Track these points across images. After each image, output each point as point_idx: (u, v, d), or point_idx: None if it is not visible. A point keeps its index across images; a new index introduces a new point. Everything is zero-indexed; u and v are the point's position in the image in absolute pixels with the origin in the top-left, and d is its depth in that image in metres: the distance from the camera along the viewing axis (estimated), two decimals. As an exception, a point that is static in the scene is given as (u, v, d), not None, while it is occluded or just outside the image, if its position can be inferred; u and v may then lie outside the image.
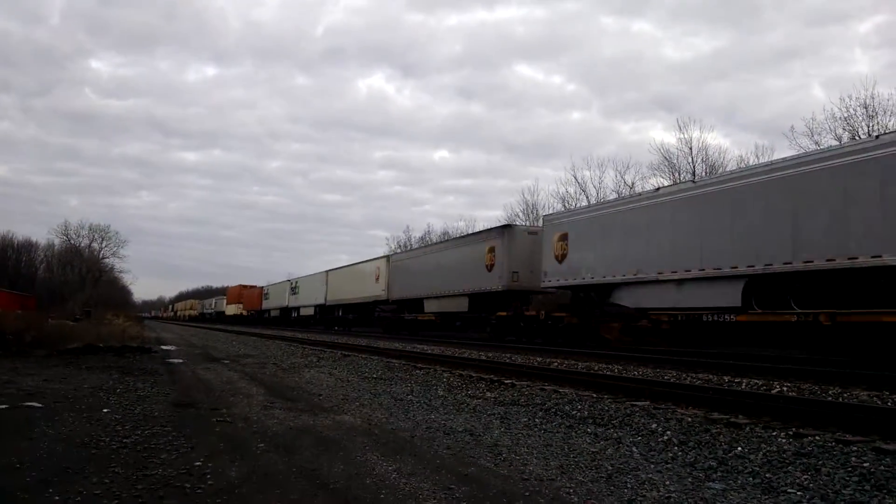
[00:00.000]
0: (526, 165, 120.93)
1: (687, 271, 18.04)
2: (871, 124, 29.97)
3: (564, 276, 22.85)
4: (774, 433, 6.39)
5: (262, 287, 75.18)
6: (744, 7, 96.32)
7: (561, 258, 22.91)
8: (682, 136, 41.10)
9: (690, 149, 39.57)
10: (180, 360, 15.75)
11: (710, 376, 11.58)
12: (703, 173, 35.55)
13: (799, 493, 4.63)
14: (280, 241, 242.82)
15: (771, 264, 15.60)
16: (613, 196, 41.11)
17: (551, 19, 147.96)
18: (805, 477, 4.98)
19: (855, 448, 5.63)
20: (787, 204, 15.24)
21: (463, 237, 35.84)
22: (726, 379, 11.15)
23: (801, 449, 5.74)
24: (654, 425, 7.07)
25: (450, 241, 38.48)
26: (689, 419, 7.24)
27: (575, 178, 47.87)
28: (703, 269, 17.51)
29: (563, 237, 22.93)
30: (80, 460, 5.05)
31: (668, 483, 4.88)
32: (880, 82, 36.35)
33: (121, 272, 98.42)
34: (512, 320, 25.40)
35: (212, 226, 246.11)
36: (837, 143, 27.48)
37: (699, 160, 39.32)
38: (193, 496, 4.23)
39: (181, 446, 5.68)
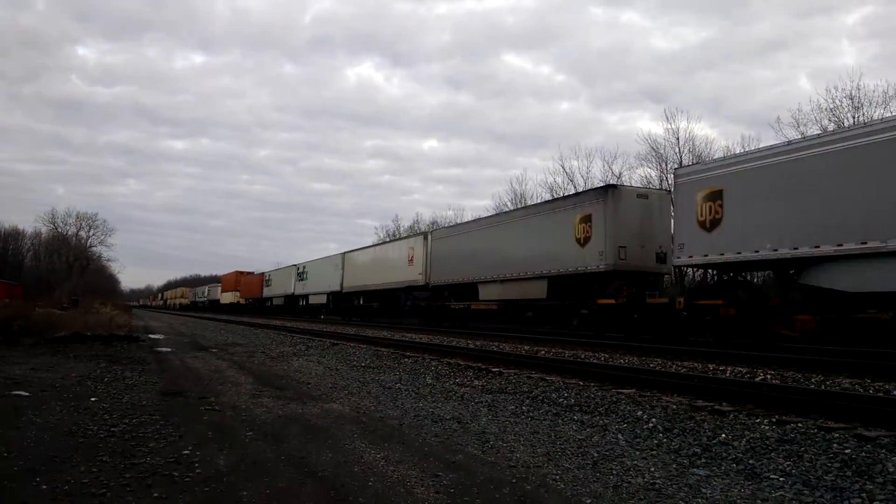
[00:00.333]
0: (514, 155, 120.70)
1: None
2: (856, 115, 30.13)
3: (716, 249, 16.31)
4: (758, 420, 6.47)
5: (263, 273, 68.53)
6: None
7: (710, 225, 16.60)
8: (669, 126, 41.13)
9: (678, 139, 39.55)
10: (168, 349, 15.71)
11: (696, 364, 11.68)
12: (690, 164, 35.69)
13: (782, 479, 4.70)
14: (268, 230, 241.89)
15: None
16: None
17: (540, 9, 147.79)
18: (788, 463, 5.06)
19: (837, 435, 5.72)
20: None
21: (541, 204, 26.86)
22: (711, 367, 11.25)
23: (783, 436, 5.82)
24: (639, 413, 7.15)
25: (519, 211, 28.84)
26: (674, 406, 7.32)
27: (563, 167, 47.70)
28: None
29: (714, 195, 16.56)
30: (67, 449, 5.06)
31: (653, 469, 4.94)
32: (867, 74, 36.70)
33: (108, 261, 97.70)
34: (620, 311, 19.23)
35: (199, 214, 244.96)
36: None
37: (686, 150, 39.40)
38: (182, 484, 4.25)
39: (169, 435, 5.69)
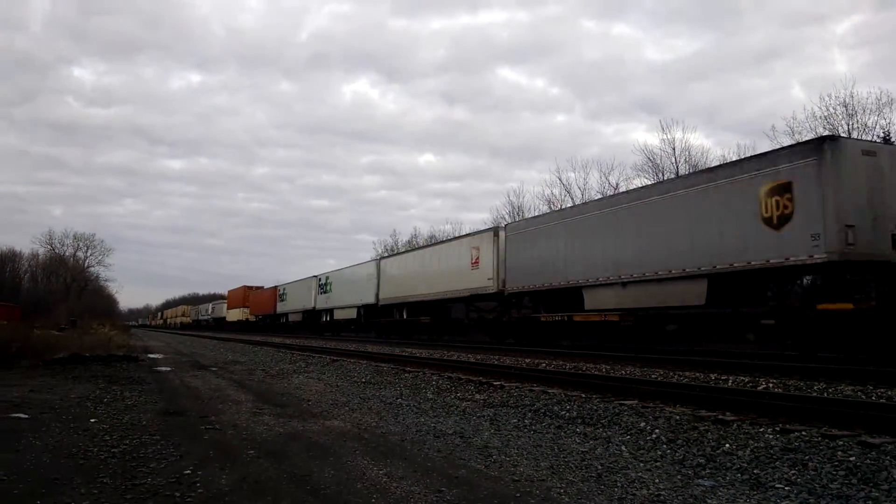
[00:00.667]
0: (511, 168, 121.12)
1: None
2: (850, 122, 30.26)
3: None
4: (761, 429, 6.44)
5: (276, 287, 62.13)
6: (724, 9, 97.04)
7: None
8: (665, 136, 41.25)
9: (674, 149, 39.73)
10: (168, 369, 15.65)
11: (697, 374, 11.65)
12: (686, 172, 35.78)
13: (787, 488, 4.68)
14: (266, 248, 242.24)
15: None
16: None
17: (534, 23, 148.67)
18: (792, 472, 5.03)
19: (841, 442, 5.69)
20: None
21: (695, 175, 20.05)
22: (713, 377, 11.22)
23: (787, 444, 5.79)
24: (642, 424, 7.11)
25: (655, 188, 20.32)
26: (678, 417, 7.29)
27: (560, 179, 47.98)
28: None
29: None
30: (68, 471, 5.02)
31: (657, 481, 4.91)
32: (859, 82, 36.72)
33: (106, 281, 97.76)
34: (861, 319, 12.81)
35: (197, 233, 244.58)
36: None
37: (682, 160, 39.51)
38: (183, 505, 4.22)
39: (170, 455, 5.65)
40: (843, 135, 24.58)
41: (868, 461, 5.11)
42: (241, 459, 5.59)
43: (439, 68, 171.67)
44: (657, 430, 6.75)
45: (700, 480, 4.96)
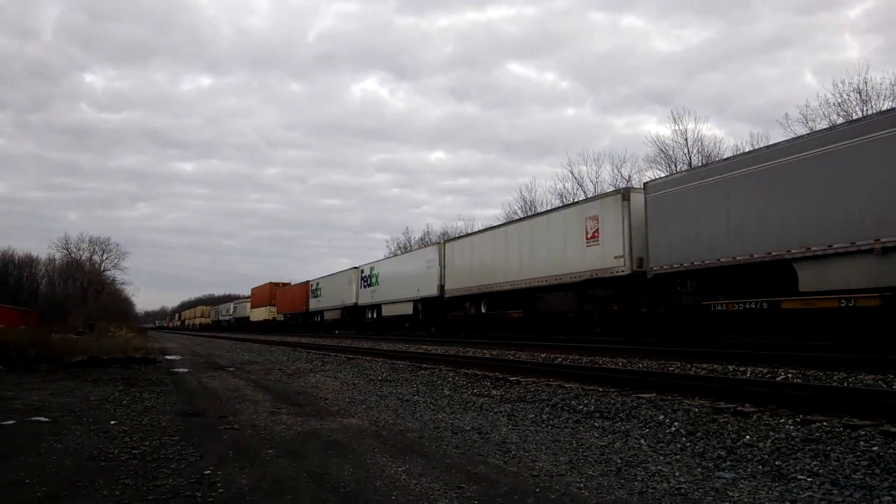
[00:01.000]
0: (522, 163, 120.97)
1: None
2: (864, 108, 29.96)
3: None
4: (782, 420, 6.39)
5: (308, 282, 56.28)
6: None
7: None
8: (676, 127, 41.14)
9: (686, 140, 39.47)
10: (185, 370, 15.74)
11: (715, 366, 11.57)
12: (700, 164, 35.53)
13: (809, 479, 4.63)
14: (280, 248, 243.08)
15: None
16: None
17: (541, 17, 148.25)
18: (815, 463, 4.98)
19: (863, 432, 5.63)
20: None
21: None
22: (731, 368, 11.14)
23: (809, 435, 5.74)
24: (661, 417, 7.07)
25: None
26: (696, 409, 7.24)
27: (571, 173, 47.70)
28: None
29: None
30: (89, 473, 5.05)
31: (677, 474, 4.88)
32: (872, 67, 36.25)
33: (122, 284, 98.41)
34: None
35: (211, 235, 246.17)
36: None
37: (695, 151, 39.26)
38: (204, 505, 4.23)
39: (190, 455, 5.67)
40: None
41: (891, 451, 5.05)
42: (260, 459, 5.60)
43: (448, 65, 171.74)
44: (676, 423, 6.71)
45: (721, 473, 4.92)
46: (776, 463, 5.08)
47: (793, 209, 14.26)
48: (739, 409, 7.04)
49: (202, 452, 5.81)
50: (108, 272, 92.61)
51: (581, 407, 8.14)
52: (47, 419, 7.73)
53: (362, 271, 43.79)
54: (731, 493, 4.35)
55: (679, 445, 5.90)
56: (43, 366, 14.84)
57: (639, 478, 4.81)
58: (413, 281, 34.94)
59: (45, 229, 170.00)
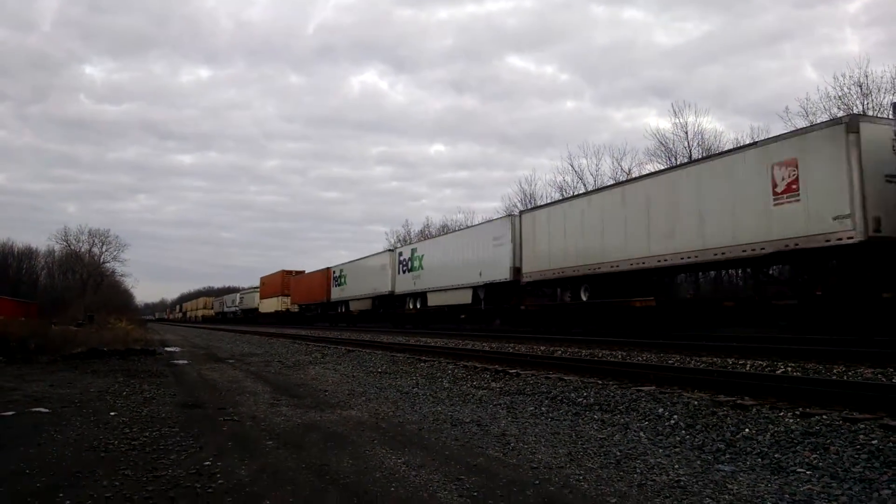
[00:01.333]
0: (522, 156, 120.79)
1: None
2: (865, 102, 29.91)
3: None
4: (781, 413, 6.39)
5: (329, 268, 50.28)
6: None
7: None
8: (677, 120, 40.89)
9: (686, 133, 39.38)
10: (185, 361, 15.76)
11: (715, 359, 11.58)
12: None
13: (808, 472, 4.64)
14: (279, 240, 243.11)
15: None
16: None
17: (541, 10, 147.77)
18: (814, 456, 4.99)
19: (863, 426, 5.63)
20: None
21: None
22: (730, 361, 11.15)
23: (808, 428, 5.74)
24: (660, 410, 7.08)
25: None
26: (696, 402, 7.24)
27: (571, 166, 47.49)
28: None
29: None
30: (89, 464, 5.05)
31: (676, 467, 4.89)
32: (872, 61, 36.10)
33: (122, 276, 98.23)
34: None
35: (210, 227, 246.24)
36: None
37: (695, 144, 39.18)
38: (204, 496, 4.24)
39: (190, 447, 5.68)
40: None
41: (891, 444, 5.05)
42: (260, 450, 5.61)
43: (447, 57, 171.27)
44: (675, 416, 6.72)
45: (720, 465, 4.93)
46: (775, 456, 5.09)
47: None
48: (739, 402, 7.04)
49: (202, 444, 5.81)
50: (108, 264, 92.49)
51: (580, 399, 8.14)
52: (47, 410, 7.73)
53: (400, 254, 37.78)
54: (730, 486, 4.36)
55: (678, 438, 5.91)
56: (43, 357, 14.85)
57: (638, 470, 4.82)
58: (473, 263, 28.64)
59: (45, 221, 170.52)
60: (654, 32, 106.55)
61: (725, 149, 28.78)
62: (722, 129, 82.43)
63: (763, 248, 15.06)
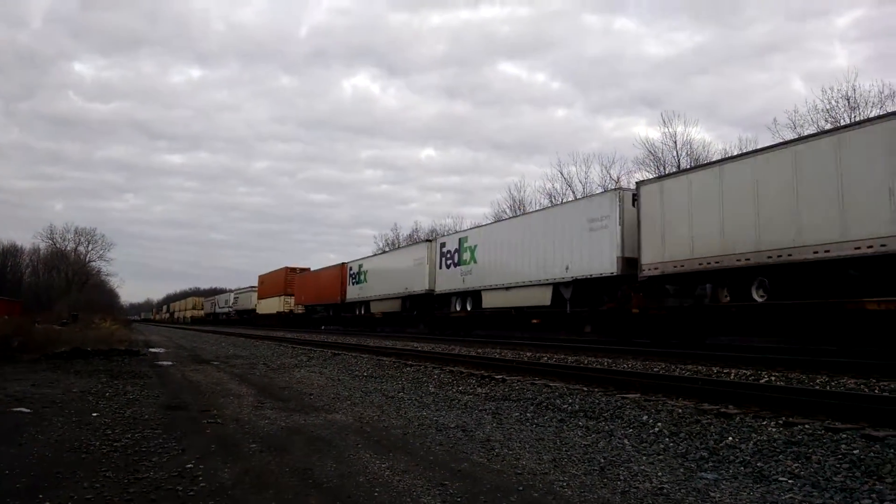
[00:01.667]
0: (512, 162, 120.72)
1: None
2: (853, 115, 30.20)
3: None
4: (764, 422, 6.42)
5: (344, 264, 44.01)
6: (725, 3, 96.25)
7: None
8: (666, 130, 41.13)
9: (675, 143, 39.61)
10: (169, 363, 15.65)
11: (700, 367, 11.63)
12: (689, 167, 35.63)
13: (790, 481, 4.66)
14: (268, 242, 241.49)
15: None
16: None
17: (534, 18, 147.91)
18: (796, 465, 5.02)
19: (844, 435, 5.67)
20: None
21: None
22: (715, 370, 11.20)
23: (791, 437, 5.78)
24: (644, 417, 7.10)
25: None
26: (680, 410, 7.27)
27: (561, 173, 47.59)
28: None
29: None
30: (70, 465, 5.01)
31: (660, 474, 4.90)
32: (861, 75, 36.59)
33: (107, 275, 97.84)
34: None
35: (198, 228, 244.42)
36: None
37: (684, 153, 39.43)
38: (186, 499, 4.21)
39: (172, 449, 5.64)
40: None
41: (872, 454, 5.09)
42: (243, 453, 5.58)
43: (440, 63, 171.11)
44: (660, 424, 6.74)
45: (703, 473, 4.95)
46: (758, 464, 5.11)
47: None
48: (723, 410, 7.07)
49: (185, 446, 5.77)
50: (93, 263, 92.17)
51: (566, 406, 8.15)
52: (28, 410, 7.67)
53: (443, 245, 31.38)
54: (712, 494, 4.38)
55: (662, 446, 5.93)
56: (25, 356, 14.72)
57: (622, 477, 4.83)
58: (555, 254, 22.41)
59: (31, 219, 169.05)
60: (645, 43, 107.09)
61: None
62: (710, 139, 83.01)
63: None
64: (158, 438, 6.08)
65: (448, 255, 30.51)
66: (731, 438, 5.94)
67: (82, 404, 8.26)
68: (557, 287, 22.39)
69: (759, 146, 20.12)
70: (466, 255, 28.84)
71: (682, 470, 5.06)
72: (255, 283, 65.43)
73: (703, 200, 16.62)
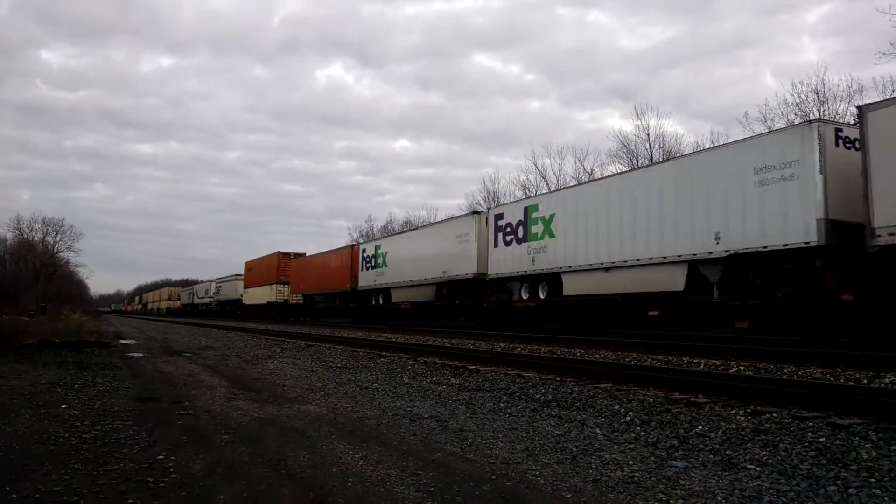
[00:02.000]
0: (486, 154, 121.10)
1: None
2: (822, 110, 30.67)
3: None
4: (733, 411, 6.53)
5: (355, 246, 39.59)
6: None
7: None
8: (639, 122, 41.45)
9: (648, 135, 39.92)
10: (140, 354, 15.48)
11: (670, 358, 11.78)
12: (661, 159, 35.90)
13: (758, 468, 4.74)
14: (240, 233, 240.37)
15: None
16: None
17: (508, 9, 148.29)
18: (764, 453, 5.10)
19: (811, 423, 5.78)
20: None
21: None
22: (685, 360, 11.35)
23: (759, 426, 5.87)
24: (616, 406, 7.18)
25: None
26: (651, 400, 7.36)
27: (535, 165, 47.56)
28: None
29: None
30: (38, 457, 4.94)
31: (631, 463, 4.96)
32: (830, 69, 37.29)
33: (76, 266, 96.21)
34: None
35: (169, 218, 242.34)
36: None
37: (657, 146, 39.74)
38: (156, 490, 4.17)
39: (143, 440, 5.58)
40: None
41: (837, 442, 5.20)
42: (214, 444, 5.54)
43: (414, 54, 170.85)
44: (631, 413, 6.81)
45: (673, 462, 5.01)
46: (727, 452, 5.19)
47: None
48: (693, 399, 7.18)
49: (155, 437, 5.72)
50: (62, 254, 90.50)
51: (538, 396, 8.21)
52: (-5, 402, 7.53)
53: (499, 217, 24.91)
54: (682, 482, 4.43)
55: (633, 435, 5.99)
56: (-9, 348, 14.45)
57: (593, 466, 4.88)
58: (699, 220, 16.53)
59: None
60: (618, 36, 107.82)
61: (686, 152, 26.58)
62: (683, 132, 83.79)
63: None
64: (129, 430, 6.02)
65: (508, 229, 24.21)
66: (700, 427, 6.02)
67: (51, 396, 8.14)
68: (696, 265, 16.75)
69: (731, 139, 19.85)
70: (538, 228, 22.66)
71: (652, 458, 5.12)
72: (238, 272, 61.02)
73: None
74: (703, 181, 16.54)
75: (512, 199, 28.28)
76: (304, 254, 49.90)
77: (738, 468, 4.78)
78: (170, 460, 4.89)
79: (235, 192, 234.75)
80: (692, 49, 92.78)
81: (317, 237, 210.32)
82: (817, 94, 31.23)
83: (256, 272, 55.44)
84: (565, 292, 21.26)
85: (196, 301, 79.36)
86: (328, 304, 43.05)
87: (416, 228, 34.41)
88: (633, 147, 40.74)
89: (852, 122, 15.94)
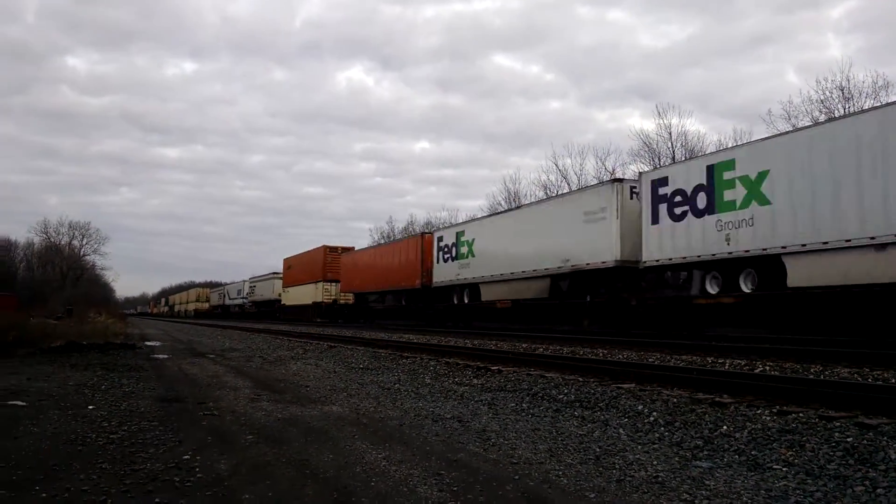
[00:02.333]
0: (506, 154, 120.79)
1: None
2: (847, 106, 30.27)
3: None
4: (759, 411, 6.46)
5: (426, 234, 34.30)
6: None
7: None
8: (661, 121, 41.13)
9: (670, 134, 39.60)
10: (165, 356, 15.65)
11: (694, 358, 11.68)
12: (683, 158, 35.61)
13: (784, 468, 4.69)
14: (263, 236, 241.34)
15: None
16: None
17: (527, 9, 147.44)
18: (790, 453, 5.05)
19: (838, 423, 5.70)
20: None
21: None
22: (709, 360, 11.25)
23: (785, 426, 5.80)
24: (640, 407, 7.13)
25: None
26: (675, 400, 7.30)
27: (556, 165, 47.44)
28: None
29: None
30: (66, 457, 5.01)
31: (655, 463, 4.93)
32: (855, 65, 36.72)
33: (102, 269, 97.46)
34: None
35: (194, 221, 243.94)
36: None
37: (679, 145, 39.42)
38: (183, 490, 4.21)
39: (169, 441, 5.64)
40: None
41: (865, 442, 5.12)
42: (239, 444, 5.59)
43: (434, 55, 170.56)
44: (655, 413, 6.77)
45: (698, 462, 4.97)
46: (752, 453, 5.14)
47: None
48: (717, 399, 7.11)
49: (181, 438, 5.78)
50: (88, 257, 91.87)
51: (561, 396, 8.18)
52: (24, 403, 7.66)
53: (661, 183, 18.59)
54: (707, 482, 4.40)
55: (657, 435, 5.95)
56: (21, 350, 14.68)
57: (617, 466, 4.85)
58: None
59: (25, 213, 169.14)
60: (638, 34, 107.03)
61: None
62: (705, 131, 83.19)
63: None
64: (155, 430, 6.08)
65: (677, 199, 17.92)
66: (725, 427, 5.97)
67: (78, 397, 8.25)
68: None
69: (753, 138, 19.97)
70: (730, 194, 16.37)
71: (677, 459, 5.08)
72: (262, 273, 58.12)
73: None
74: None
75: (679, 161, 24.71)
76: (353, 248, 44.74)
77: (763, 468, 4.73)
78: (195, 460, 4.94)
79: (259, 195, 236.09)
80: (712, 47, 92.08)
81: (338, 239, 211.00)
82: (842, 90, 30.87)
83: (298, 269, 49.77)
84: (790, 283, 15.09)
85: (227, 302, 75.92)
86: (387, 303, 36.88)
87: (519, 208, 29.24)
88: (656, 146, 40.49)
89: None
